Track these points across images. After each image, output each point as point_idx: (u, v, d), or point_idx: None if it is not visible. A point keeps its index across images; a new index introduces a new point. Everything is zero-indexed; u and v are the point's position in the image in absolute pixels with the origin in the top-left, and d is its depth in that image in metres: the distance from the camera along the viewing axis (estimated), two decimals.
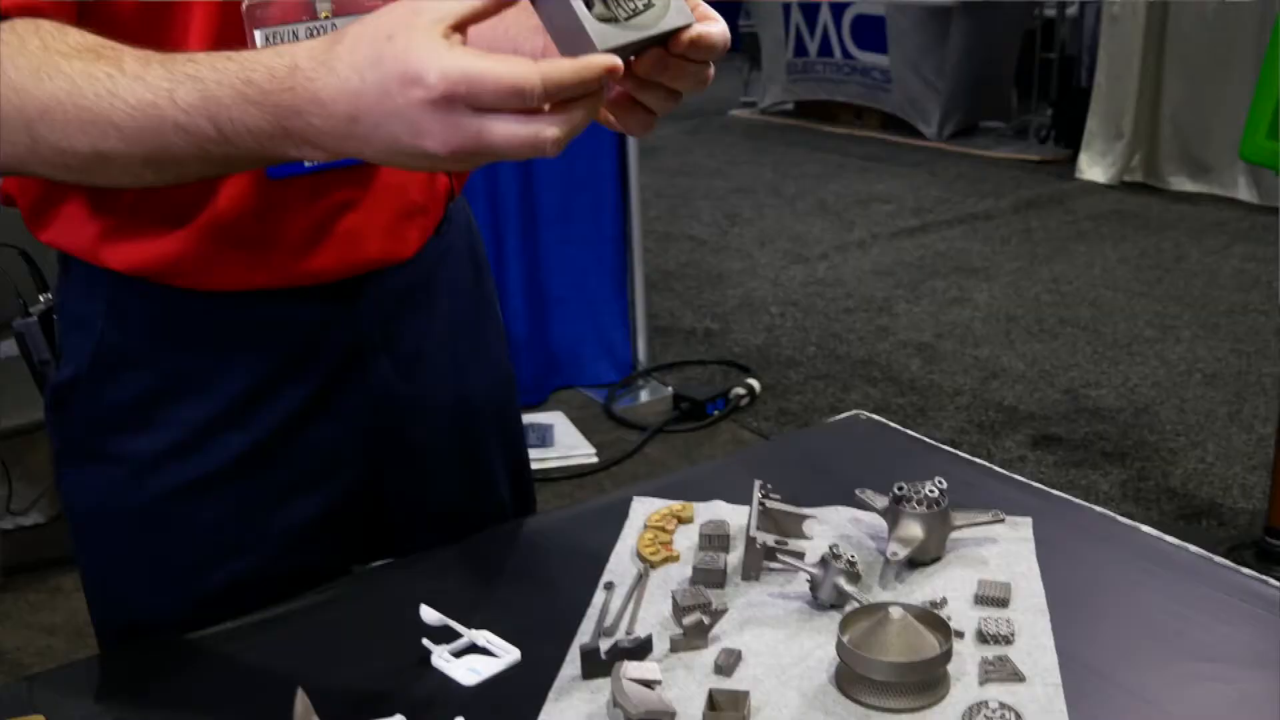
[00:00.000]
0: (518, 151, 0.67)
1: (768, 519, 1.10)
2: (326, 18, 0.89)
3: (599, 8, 0.71)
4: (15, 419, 2.49)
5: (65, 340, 0.99)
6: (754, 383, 3.77)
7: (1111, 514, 1.16)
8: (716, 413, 3.63)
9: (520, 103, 0.65)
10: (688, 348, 4.26)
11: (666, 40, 0.74)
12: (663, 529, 1.15)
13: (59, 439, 1.02)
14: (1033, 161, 7.07)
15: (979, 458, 3.30)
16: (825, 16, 8.48)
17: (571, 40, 0.71)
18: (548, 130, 0.67)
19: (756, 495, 1.12)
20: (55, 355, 1.02)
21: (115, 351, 0.97)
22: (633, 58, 0.75)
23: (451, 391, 1.11)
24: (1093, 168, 6.53)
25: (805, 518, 1.11)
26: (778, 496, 1.13)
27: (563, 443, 3.45)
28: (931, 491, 1.07)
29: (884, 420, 1.39)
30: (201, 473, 0.99)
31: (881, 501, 1.12)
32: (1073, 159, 6.70)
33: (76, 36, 0.77)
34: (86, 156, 0.76)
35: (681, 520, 1.17)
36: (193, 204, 0.91)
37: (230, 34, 0.86)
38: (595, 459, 3.40)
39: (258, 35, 0.86)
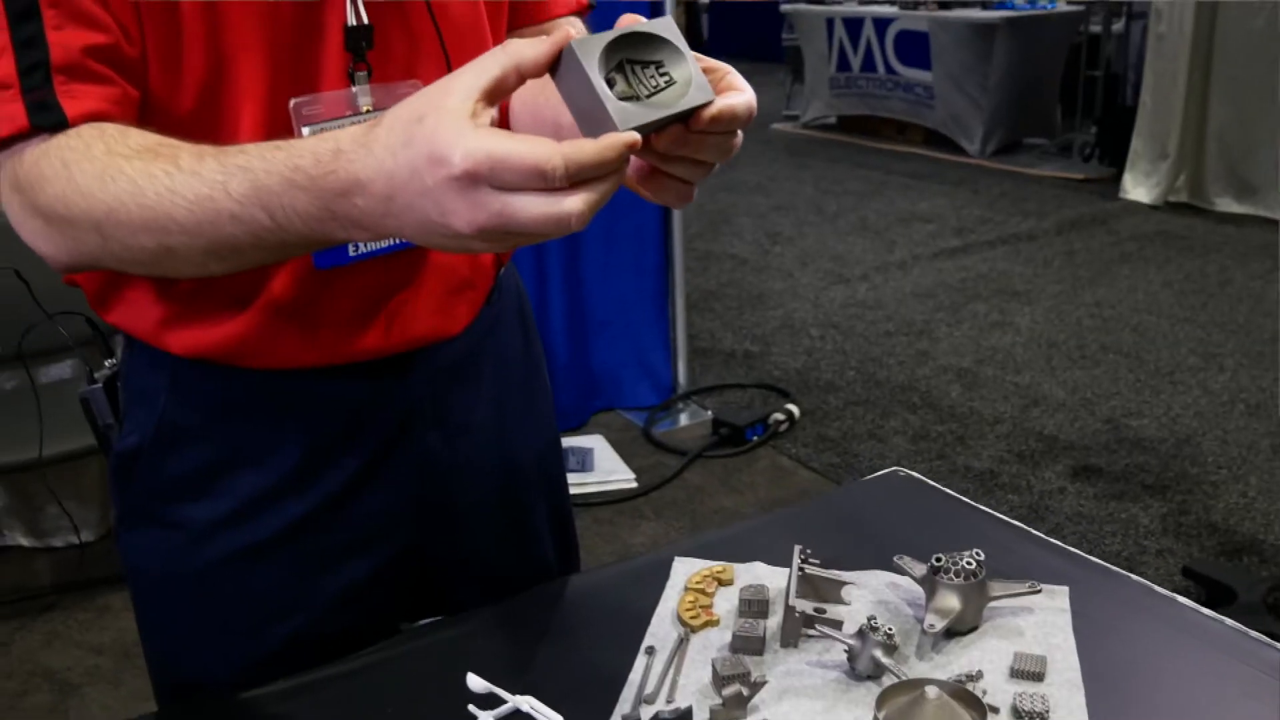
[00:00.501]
0: (542, 227, 0.67)
1: (807, 584, 1.12)
2: (368, 112, 0.92)
3: (620, 86, 0.72)
4: (65, 445, 2.54)
5: (129, 411, 1.03)
6: (793, 408, 3.78)
7: (1149, 584, 1.17)
8: (756, 438, 3.64)
9: (542, 183, 0.66)
10: (728, 370, 4.27)
11: (687, 118, 0.74)
12: (703, 591, 1.17)
13: (121, 503, 1.05)
14: (1076, 180, 7.04)
15: (1019, 489, 3.30)
16: (868, 31, 8.49)
17: (592, 118, 0.71)
18: (571, 207, 0.67)
19: (796, 561, 1.14)
20: (118, 420, 1.06)
21: (177, 426, 1.00)
22: (653, 134, 0.75)
23: (498, 457, 1.14)
24: (1137, 188, 6.49)
25: (844, 584, 1.13)
26: (816, 561, 1.15)
27: (602, 467, 3.47)
28: (969, 564, 1.08)
29: (922, 478, 1.40)
30: (257, 539, 1.02)
31: (919, 569, 1.13)
32: (1117, 178, 6.66)
33: (137, 137, 0.81)
34: (153, 251, 0.79)
35: (721, 582, 1.19)
36: (249, 289, 0.94)
37: (279, 130, 0.89)
38: (635, 484, 3.42)
39: (305, 132, 0.89)
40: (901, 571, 1.15)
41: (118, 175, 0.78)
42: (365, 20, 0.90)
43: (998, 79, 7.66)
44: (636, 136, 0.69)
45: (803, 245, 5.92)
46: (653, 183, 0.80)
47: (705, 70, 0.77)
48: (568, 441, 3.63)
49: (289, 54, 0.88)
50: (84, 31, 0.81)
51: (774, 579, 1.18)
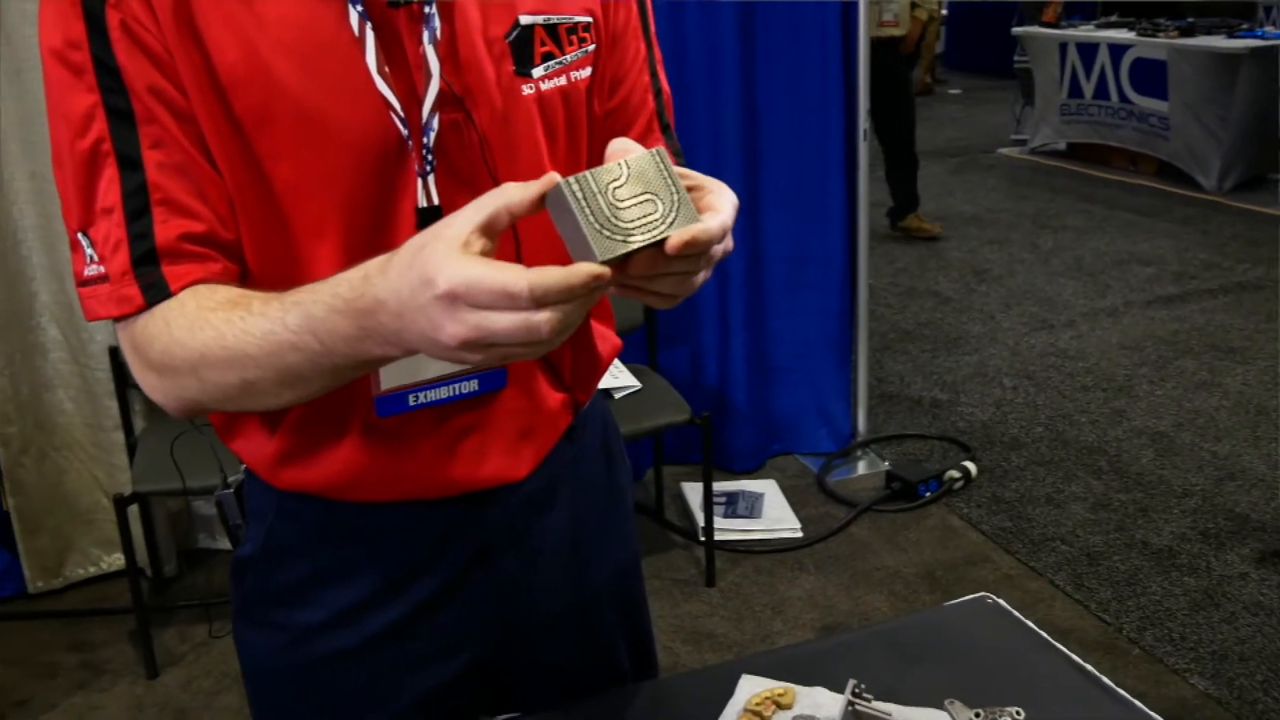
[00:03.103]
0: (514, 338, 0.76)
1: None
2: None
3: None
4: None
5: (248, 522, 1.18)
6: (971, 466, 3.74)
7: None
8: (929, 494, 3.63)
9: (510, 304, 0.75)
10: (911, 418, 4.25)
11: (663, 243, 0.81)
12: (759, 714, 1.24)
13: (237, 600, 1.20)
14: None
15: (1196, 571, 3.20)
16: (1103, 58, 8.20)
17: (579, 248, 0.80)
18: (539, 320, 0.75)
19: (847, 695, 1.20)
20: (246, 521, 1.22)
21: (282, 542, 1.15)
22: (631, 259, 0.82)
23: (573, 578, 1.23)
24: None
25: None
26: (870, 696, 1.21)
27: (770, 515, 3.53)
28: None
29: (1009, 608, 1.42)
30: (346, 645, 1.15)
31: (965, 715, 1.17)
32: None
33: (223, 292, 0.95)
34: (238, 386, 0.93)
35: (780, 706, 1.25)
36: (340, 438, 1.07)
37: None
38: (800, 534, 3.46)
39: None
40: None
41: (204, 325, 0.92)
42: (435, 202, 1.01)
43: (1240, 111, 7.27)
44: (602, 269, 0.77)
45: (1010, 285, 5.79)
46: (637, 294, 0.87)
47: (691, 187, 0.85)
48: (739, 485, 3.71)
49: (364, 235, 1.00)
50: (184, 221, 0.95)
51: (833, 706, 1.23)
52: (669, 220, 0.81)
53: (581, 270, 0.76)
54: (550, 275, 0.75)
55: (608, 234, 0.79)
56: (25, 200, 3.02)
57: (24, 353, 3.11)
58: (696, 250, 0.82)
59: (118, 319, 0.97)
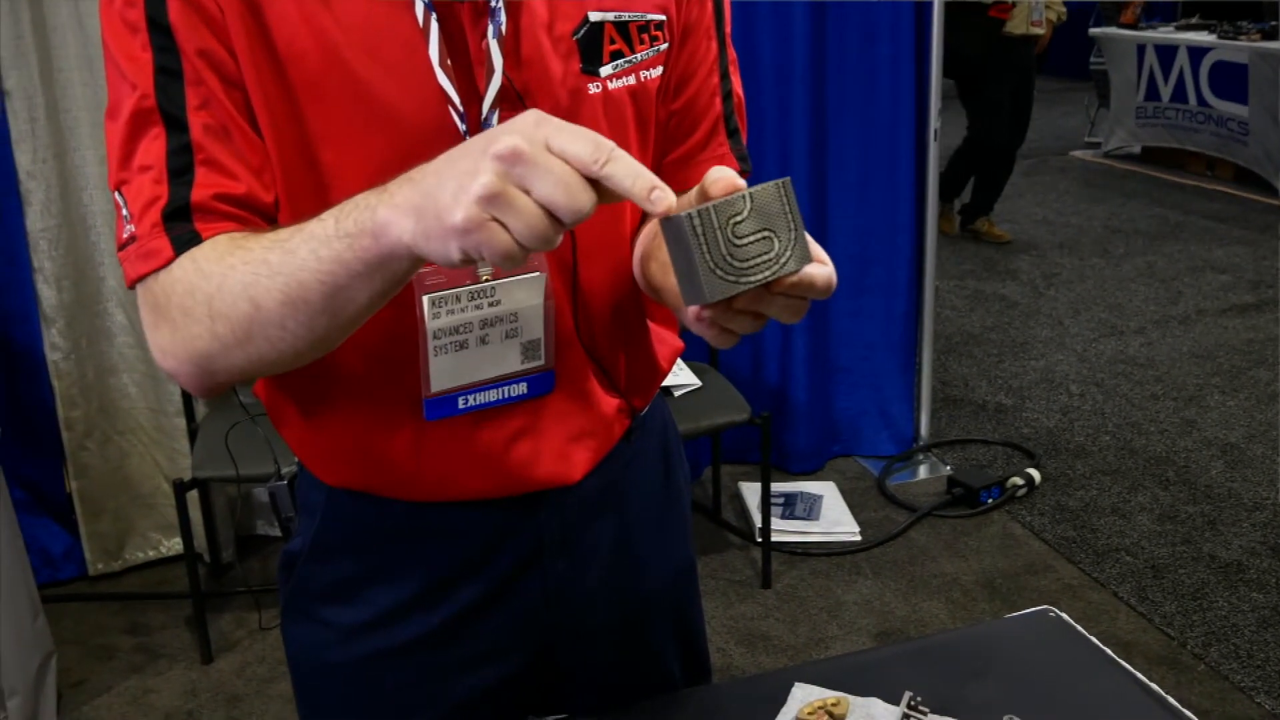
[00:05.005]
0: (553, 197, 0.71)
1: None
2: (487, 280, 0.99)
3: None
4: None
5: (300, 515, 1.17)
6: (1034, 473, 3.66)
7: None
8: (990, 501, 3.56)
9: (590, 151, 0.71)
10: (975, 423, 4.18)
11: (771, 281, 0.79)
12: None
13: (285, 594, 1.20)
14: None
15: (1265, 587, 3.12)
16: (1182, 60, 8.02)
17: (688, 280, 0.77)
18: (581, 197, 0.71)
19: (902, 708, 1.16)
20: (297, 514, 1.21)
21: (330, 539, 1.13)
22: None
23: (626, 583, 1.21)
24: None
25: None
26: (925, 709, 1.17)
27: (828, 517, 3.48)
28: None
29: (1072, 622, 1.38)
30: (392, 644, 1.14)
31: None
32: None
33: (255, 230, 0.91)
34: (246, 316, 0.85)
35: (833, 716, 1.22)
36: (393, 436, 1.05)
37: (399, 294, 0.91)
38: (858, 538, 3.42)
39: (425, 300, 0.97)
40: None
41: (235, 249, 0.87)
42: None
43: None
44: (667, 199, 0.73)
45: (1079, 290, 5.68)
46: (705, 328, 0.83)
47: None
48: (798, 486, 3.67)
49: None
50: (223, 180, 0.92)
51: (887, 718, 1.20)
52: (782, 261, 0.79)
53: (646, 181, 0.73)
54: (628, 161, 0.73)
55: (720, 273, 0.77)
56: (95, 186, 3.06)
57: (90, 337, 3.15)
58: (801, 293, 0.80)
59: (144, 277, 0.91)
